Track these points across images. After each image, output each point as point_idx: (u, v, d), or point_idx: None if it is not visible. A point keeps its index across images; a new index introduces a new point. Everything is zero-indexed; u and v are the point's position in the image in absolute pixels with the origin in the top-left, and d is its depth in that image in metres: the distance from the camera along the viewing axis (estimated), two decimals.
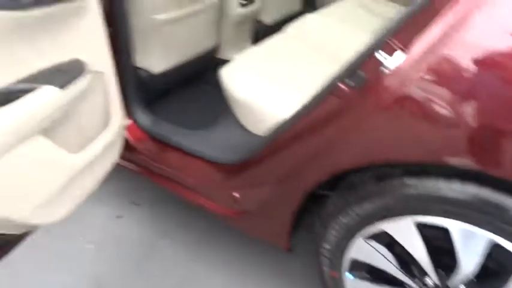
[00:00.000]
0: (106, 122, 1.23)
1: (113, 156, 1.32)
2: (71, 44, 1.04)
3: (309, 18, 1.90)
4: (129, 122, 1.48)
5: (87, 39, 1.08)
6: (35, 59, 0.95)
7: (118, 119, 1.27)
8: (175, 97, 1.83)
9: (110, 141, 1.23)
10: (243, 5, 1.86)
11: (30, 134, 0.90)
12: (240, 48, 2.07)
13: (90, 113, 1.17)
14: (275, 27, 2.24)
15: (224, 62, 2.08)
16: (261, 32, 2.15)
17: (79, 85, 1.02)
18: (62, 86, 0.94)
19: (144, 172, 1.61)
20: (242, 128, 1.47)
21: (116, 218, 1.69)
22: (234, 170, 1.39)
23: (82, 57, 1.08)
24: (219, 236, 1.67)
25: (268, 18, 2.14)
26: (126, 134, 1.43)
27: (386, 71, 0.88)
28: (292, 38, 1.74)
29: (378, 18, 2.14)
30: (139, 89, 1.53)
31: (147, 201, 1.80)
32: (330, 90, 0.98)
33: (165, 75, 1.66)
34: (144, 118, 1.52)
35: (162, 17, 1.49)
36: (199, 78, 1.98)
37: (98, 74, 1.15)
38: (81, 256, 1.55)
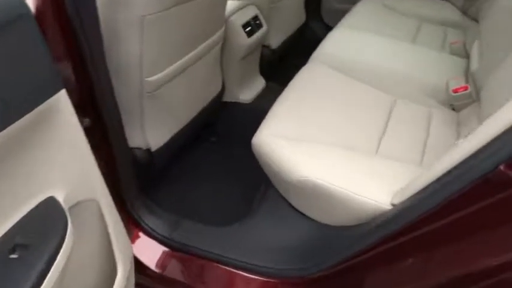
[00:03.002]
0: (110, 267, 0.79)
1: None
2: (38, 172, 0.61)
3: (333, 38, 1.51)
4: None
5: (59, 156, 0.64)
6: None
7: (128, 260, 0.82)
8: (182, 166, 1.38)
9: None
10: (250, 34, 1.44)
11: None
12: (248, 83, 1.64)
13: (84, 267, 0.73)
14: (282, 50, 1.84)
15: (232, 103, 1.65)
16: (268, 57, 1.74)
17: (63, 251, 0.58)
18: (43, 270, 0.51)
19: None
20: (294, 217, 1.02)
21: None
22: None
23: (57, 187, 0.64)
24: None
25: (275, 42, 1.73)
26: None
27: None
28: (322, 67, 1.33)
29: (407, 17, 1.77)
30: (137, 176, 1.09)
31: None
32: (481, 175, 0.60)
33: (167, 146, 1.22)
34: (152, 220, 1.07)
35: (154, 78, 1.04)
36: (205, 131, 1.54)
37: (87, 204, 0.71)
38: None
